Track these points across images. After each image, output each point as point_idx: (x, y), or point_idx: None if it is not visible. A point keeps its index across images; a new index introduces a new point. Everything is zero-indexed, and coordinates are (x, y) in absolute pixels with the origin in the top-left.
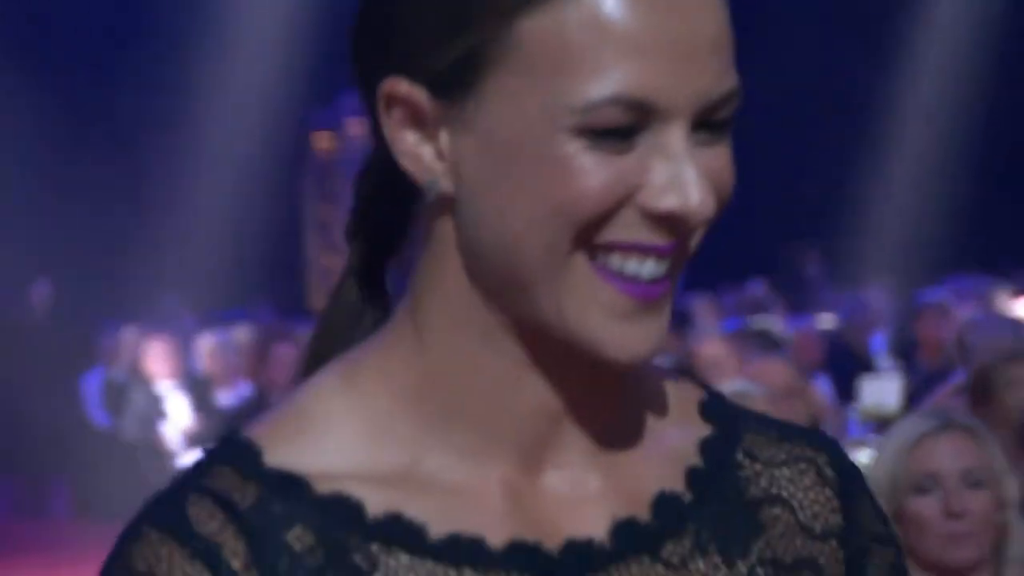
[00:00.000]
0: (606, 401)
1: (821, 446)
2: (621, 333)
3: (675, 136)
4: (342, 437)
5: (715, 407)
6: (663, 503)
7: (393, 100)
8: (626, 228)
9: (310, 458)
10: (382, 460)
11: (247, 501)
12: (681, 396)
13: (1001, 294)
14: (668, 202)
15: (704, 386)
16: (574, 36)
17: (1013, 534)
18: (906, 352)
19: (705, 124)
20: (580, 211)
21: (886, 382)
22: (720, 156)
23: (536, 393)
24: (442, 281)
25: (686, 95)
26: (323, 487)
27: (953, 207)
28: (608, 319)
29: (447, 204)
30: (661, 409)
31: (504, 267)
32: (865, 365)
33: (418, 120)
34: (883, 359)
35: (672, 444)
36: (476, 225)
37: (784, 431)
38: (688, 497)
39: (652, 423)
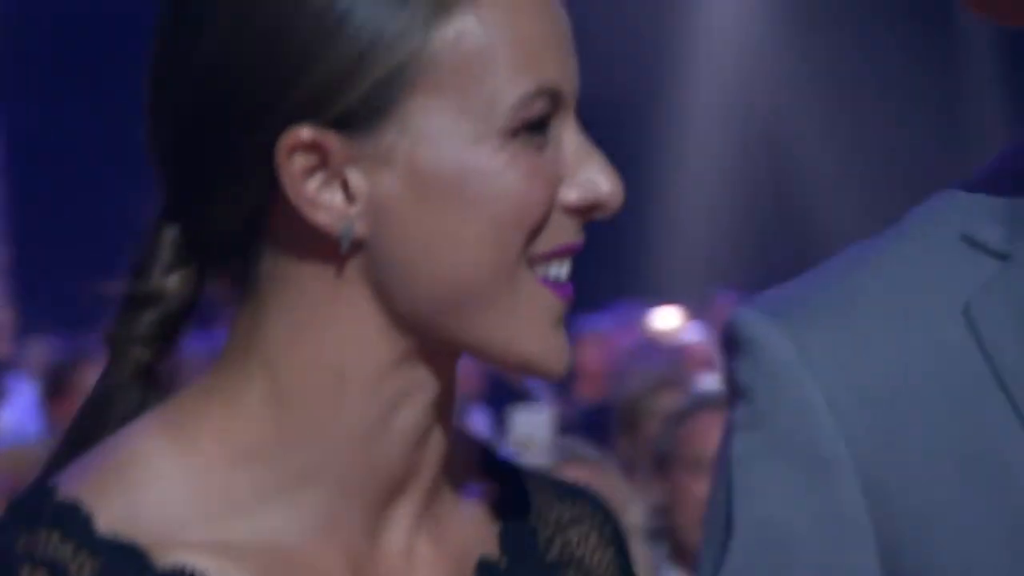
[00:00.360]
0: (439, 458)
1: (596, 505)
2: (558, 342)
3: (573, 127)
4: (176, 500)
5: (494, 462)
6: (485, 570)
7: (295, 150)
8: (556, 231)
9: (145, 524)
10: (222, 527)
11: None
12: (465, 449)
13: (661, 317)
14: (587, 193)
15: (473, 438)
16: (487, 40)
17: (636, 559)
18: (565, 383)
19: None
20: (527, 219)
21: (535, 414)
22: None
23: (389, 451)
24: (325, 328)
25: (574, 85)
26: (163, 559)
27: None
28: (549, 329)
29: (357, 250)
30: (459, 465)
31: (439, 300)
32: (522, 397)
33: (321, 166)
34: (541, 390)
35: (477, 503)
36: (402, 263)
37: (559, 489)
38: (504, 562)
39: (457, 480)
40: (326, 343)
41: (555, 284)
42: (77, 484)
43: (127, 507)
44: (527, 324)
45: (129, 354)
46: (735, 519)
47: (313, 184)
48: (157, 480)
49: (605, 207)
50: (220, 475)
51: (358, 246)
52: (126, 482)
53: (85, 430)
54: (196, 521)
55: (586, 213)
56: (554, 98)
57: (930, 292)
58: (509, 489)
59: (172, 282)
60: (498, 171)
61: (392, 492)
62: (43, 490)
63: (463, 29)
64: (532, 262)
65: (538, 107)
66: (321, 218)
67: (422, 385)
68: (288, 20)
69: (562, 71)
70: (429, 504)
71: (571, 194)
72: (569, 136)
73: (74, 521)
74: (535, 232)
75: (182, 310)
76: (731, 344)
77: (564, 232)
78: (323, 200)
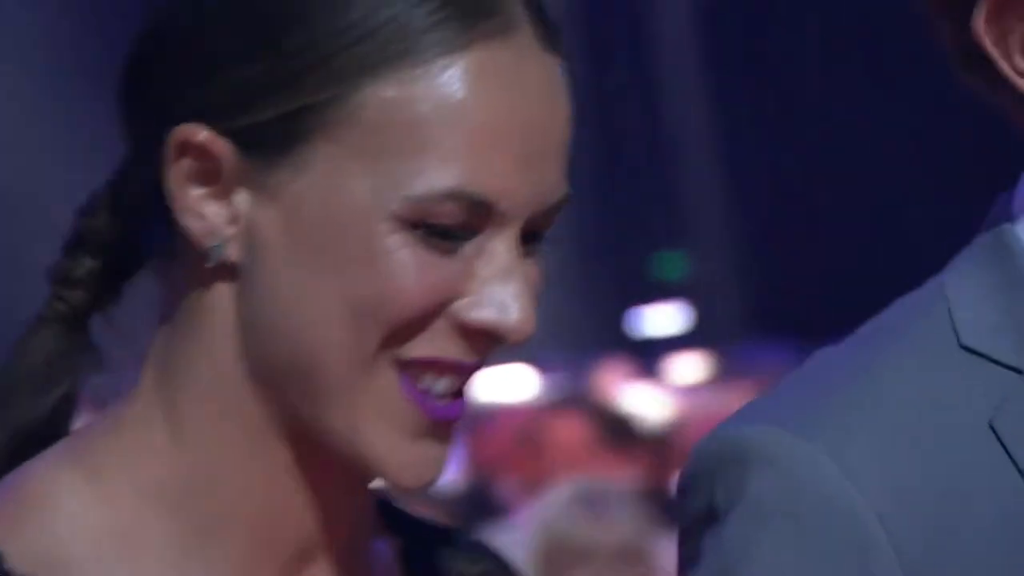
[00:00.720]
0: (352, 514)
1: (500, 562)
2: (413, 455)
3: (506, 244)
4: (86, 541)
5: (395, 515)
6: None
7: (186, 149)
8: (433, 340)
9: (61, 568)
10: (135, 573)
11: None
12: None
13: None
14: (487, 316)
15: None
16: (422, 115)
17: None
18: None
19: (528, 234)
20: (392, 314)
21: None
22: (536, 271)
23: (305, 504)
24: (208, 362)
25: (527, 199)
26: None
27: None
28: (401, 439)
29: (227, 274)
30: (367, 520)
31: (292, 362)
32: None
33: (211, 175)
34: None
35: (383, 559)
36: (266, 306)
37: (462, 543)
38: None
39: (364, 533)
40: (216, 385)
41: (421, 395)
42: None
43: (34, 545)
44: (373, 426)
45: (65, 293)
46: None
47: (198, 191)
48: (69, 521)
49: (503, 338)
50: (130, 518)
51: (231, 272)
52: (38, 522)
53: (9, 369)
54: (109, 565)
55: (482, 338)
56: (479, 209)
57: (949, 408)
58: (413, 543)
59: (110, 226)
60: (378, 254)
61: (305, 551)
62: None
63: (404, 94)
64: (403, 364)
65: (446, 211)
66: (194, 225)
67: (315, 451)
68: (240, 8)
69: (511, 184)
70: (346, 564)
71: (469, 312)
72: (498, 252)
73: None
74: (403, 333)
75: (122, 257)
76: (734, 462)
77: (447, 346)
78: (202, 209)
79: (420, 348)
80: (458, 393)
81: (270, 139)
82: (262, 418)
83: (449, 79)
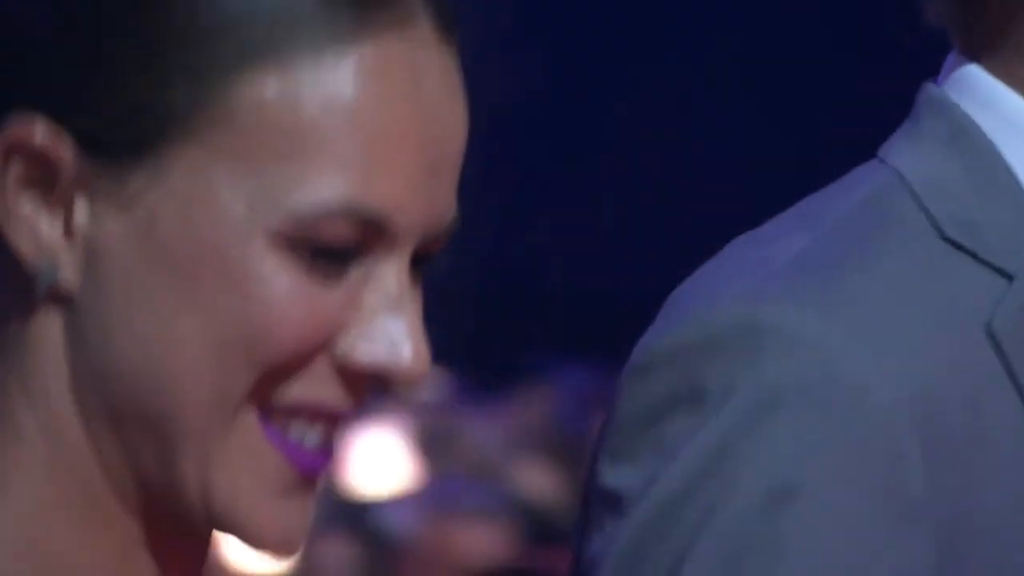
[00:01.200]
0: None
1: None
2: (277, 515)
3: (396, 270)
4: None
5: None
6: None
7: (17, 148)
8: (310, 383)
9: None
10: None
11: None
12: None
13: None
14: (376, 357)
15: None
16: (308, 115)
17: None
18: None
19: (415, 260)
20: (266, 354)
21: None
22: (420, 303)
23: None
24: (34, 407)
25: (421, 217)
26: None
27: None
28: (264, 496)
29: (60, 302)
30: None
31: (138, 408)
32: None
33: (47, 180)
34: None
35: None
36: (108, 342)
37: None
38: None
39: None
40: (42, 439)
41: (292, 447)
42: None
43: None
44: (234, 481)
45: None
46: (786, 559)
47: (30, 200)
48: None
49: (393, 381)
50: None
51: (65, 300)
52: None
53: None
54: None
55: (368, 380)
56: (371, 228)
57: (947, 308)
58: None
59: None
60: (250, 280)
61: None
62: None
63: (286, 91)
64: (269, 411)
65: (334, 230)
66: (22, 241)
67: (165, 517)
68: None
69: (407, 199)
70: None
71: (355, 350)
72: (387, 279)
73: None
74: (276, 375)
75: None
76: (739, 341)
77: (323, 389)
78: (34, 222)
79: (293, 392)
80: (327, 444)
81: (120, 139)
82: (100, 476)
83: (340, 75)
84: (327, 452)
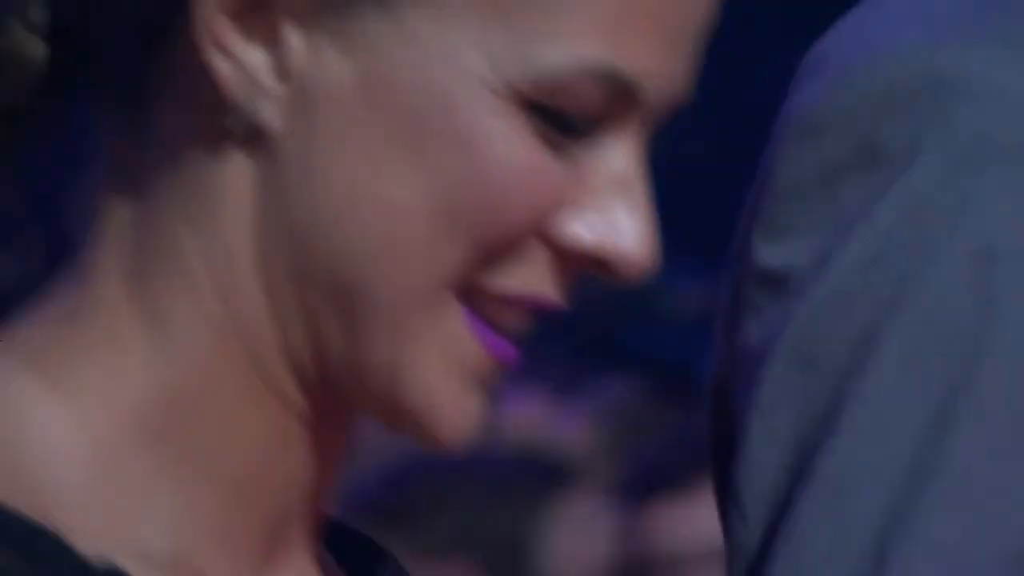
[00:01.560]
0: (326, 501)
1: None
2: (462, 405)
3: (629, 146)
4: (62, 471)
5: (335, 529)
6: None
7: None
8: (524, 271)
9: (42, 503)
10: (117, 515)
11: None
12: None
13: None
14: (600, 238)
15: None
16: None
17: None
18: None
19: None
20: (488, 224)
21: None
22: (649, 186)
23: (297, 466)
24: (211, 262)
25: (667, 88)
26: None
27: None
28: (453, 384)
29: (256, 144)
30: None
31: (335, 272)
32: None
33: (255, 6)
34: None
35: (331, 566)
36: (308, 196)
37: (391, 561)
38: None
39: (322, 529)
40: (218, 295)
41: (490, 336)
42: None
43: (15, 479)
44: (430, 366)
45: None
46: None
47: (237, 24)
48: (41, 442)
49: (614, 267)
50: (109, 451)
51: (262, 142)
52: (7, 447)
53: None
54: (91, 502)
55: (586, 267)
56: (619, 94)
57: None
58: (347, 553)
59: (32, 46)
60: (481, 140)
61: (280, 529)
62: None
63: None
64: (473, 294)
65: (584, 92)
66: (224, 70)
67: (327, 397)
68: None
69: (657, 66)
70: (314, 556)
71: (578, 230)
72: (619, 155)
73: None
74: (492, 252)
75: (80, 64)
76: (923, 93)
77: (530, 276)
78: (240, 50)
79: (501, 277)
80: (520, 337)
81: None
82: (275, 345)
83: None
84: (520, 345)
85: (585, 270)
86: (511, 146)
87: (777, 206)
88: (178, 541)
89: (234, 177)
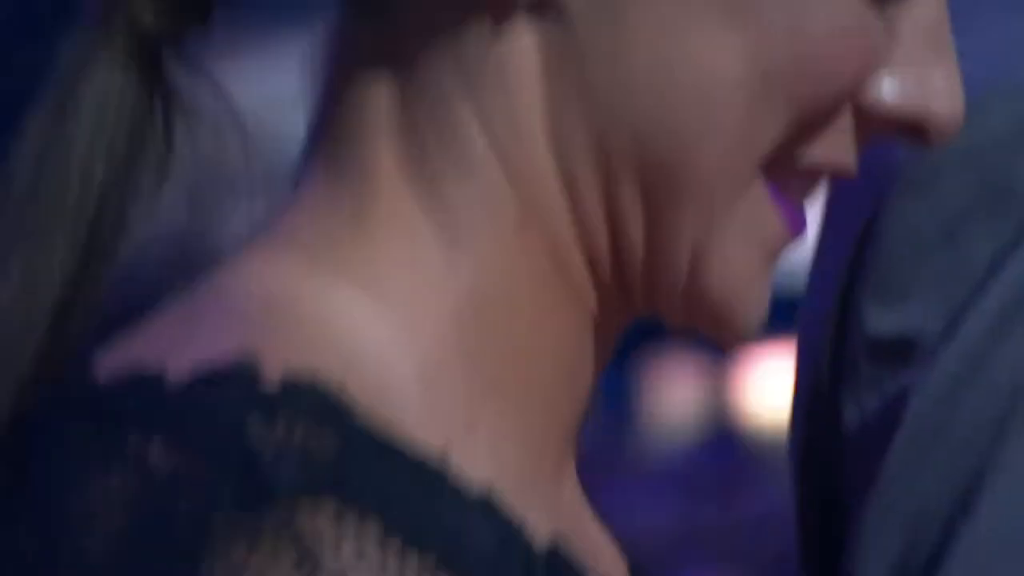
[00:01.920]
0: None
1: None
2: (759, 295)
3: (942, 5)
4: (404, 385)
5: None
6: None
7: None
8: (832, 139)
9: (402, 413)
10: (459, 447)
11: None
12: None
13: None
14: (916, 100)
15: None
16: None
17: None
18: None
19: None
20: (813, 94)
21: None
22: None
23: (589, 367)
24: (502, 146)
25: None
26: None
27: None
28: (757, 270)
29: (543, 13)
30: None
31: (638, 150)
32: None
33: None
34: None
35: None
36: (611, 64)
37: None
38: None
39: None
40: (502, 176)
41: (793, 212)
42: (272, 352)
43: (370, 391)
44: (734, 252)
45: (127, 15)
46: None
47: None
48: (377, 358)
49: (930, 135)
50: (434, 359)
51: (552, 9)
52: (326, 348)
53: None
54: (428, 423)
55: (892, 129)
56: None
57: None
58: None
59: None
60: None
61: (569, 439)
62: (242, 370)
63: None
64: (781, 170)
65: None
66: None
67: (619, 292)
68: None
69: None
70: (572, 466)
71: (891, 91)
72: (929, 14)
73: (331, 411)
74: (807, 126)
75: None
76: None
77: (838, 145)
78: None
79: (812, 150)
80: (807, 206)
81: None
82: (573, 234)
83: None
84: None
85: (887, 133)
86: (840, 4)
87: (886, 267)
88: (500, 463)
89: (519, 51)
